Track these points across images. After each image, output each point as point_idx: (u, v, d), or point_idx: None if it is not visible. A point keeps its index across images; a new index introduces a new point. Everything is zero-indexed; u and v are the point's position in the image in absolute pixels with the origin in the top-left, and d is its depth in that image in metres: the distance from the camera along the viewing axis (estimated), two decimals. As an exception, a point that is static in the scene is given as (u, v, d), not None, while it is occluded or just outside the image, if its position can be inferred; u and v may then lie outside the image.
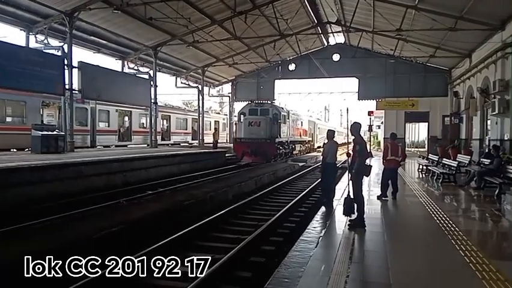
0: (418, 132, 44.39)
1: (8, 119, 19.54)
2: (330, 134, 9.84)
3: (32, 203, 10.33)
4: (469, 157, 16.26)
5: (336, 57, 27.70)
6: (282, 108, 28.40)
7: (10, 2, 16.62)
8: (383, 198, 10.37)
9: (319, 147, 39.48)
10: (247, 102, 28.81)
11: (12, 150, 18.43)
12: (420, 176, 16.95)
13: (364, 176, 7.85)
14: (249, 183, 14.42)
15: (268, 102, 27.83)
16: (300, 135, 33.14)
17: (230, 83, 36.26)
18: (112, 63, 25.11)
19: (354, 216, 7.59)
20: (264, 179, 16.14)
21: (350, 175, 7.83)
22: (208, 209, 10.44)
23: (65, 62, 18.64)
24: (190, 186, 13.76)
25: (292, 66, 29.90)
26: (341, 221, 7.76)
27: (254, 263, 6.74)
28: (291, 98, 38.84)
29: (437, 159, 17.53)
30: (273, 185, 15.06)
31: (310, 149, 38.14)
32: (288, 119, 28.22)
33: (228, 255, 6.41)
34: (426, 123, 31.65)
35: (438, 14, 17.93)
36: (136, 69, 25.94)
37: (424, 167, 17.53)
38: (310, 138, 38.22)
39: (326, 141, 10.22)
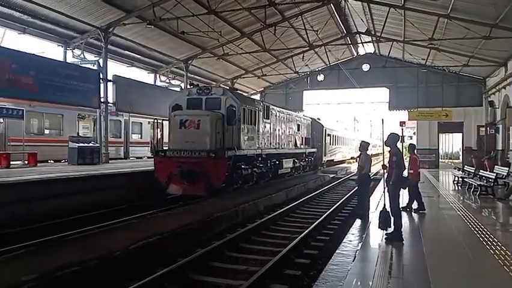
0: (452, 143, 43.20)
1: (46, 132, 20.24)
2: (364, 145, 9.72)
3: (70, 212, 10.61)
4: (507, 169, 15.69)
5: (366, 67, 27.48)
6: (253, 99, 18.23)
7: (50, 19, 17.32)
8: (420, 212, 10.12)
9: (332, 161, 32.88)
10: (190, 86, 17.50)
11: (49, 161, 19.05)
12: (456, 188, 16.46)
13: (401, 189, 7.70)
14: (280, 195, 14.36)
15: (220, 86, 18.23)
16: (296, 145, 21.83)
17: (258, 95, 36.44)
18: (144, 76, 25.73)
19: (390, 230, 7.43)
20: (294, 191, 16.05)
21: (386, 187, 7.69)
22: (239, 221, 10.48)
23: (101, 76, 19.26)
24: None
25: (321, 77, 29.85)
26: (377, 235, 7.61)
27: (290, 276, 6.68)
28: (320, 109, 35.86)
29: (473, 171, 17.00)
30: (304, 196, 14.96)
31: (315, 166, 26.24)
32: (267, 118, 17.20)
33: (265, 268, 6.38)
34: (461, 134, 30.79)
35: (472, 22, 17.53)
36: (167, 82, 26.48)
37: (460, 179, 17.03)
38: (315, 150, 25.89)
39: (359, 153, 10.08)
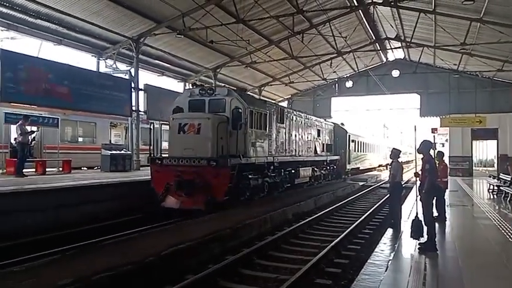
0: (486, 150, 41.85)
1: (80, 139, 20.85)
2: (396, 152, 9.56)
3: (104, 217, 10.87)
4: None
5: (395, 73, 27.06)
6: (264, 101, 15.72)
7: (84, 30, 17.91)
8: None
9: (358, 169, 30.67)
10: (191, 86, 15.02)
11: (83, 168, 19.59)
12: (491, 196, 15.94)
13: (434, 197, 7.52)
14: (309, 203, 14.27)
15: (225, 86, 15.86)
16: (315, 152, 20.30)
17: (286, 102, 36.41)
18: (174, 85, 26.16)
19: (423, 239, 7.26)
20: (323, 199, 15.91)
21: (419, 196, 7.53)
22: (268, 229, 10.47)
23: (132, 85, 19.75)
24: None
25: (349, 84, 29.60)
26: (409, 244, 7.45)
27: (321, 285, 6.62)
28: (348, 116, 35.00)
29: (509, 179, 16.42)
30: (333, 204, 14.81)
31: (338, 174, 24.71)
32: (281, 122, 15.65)
33: (295, 277, 6.35)
34: (495, 141, 29.80)
35: (506, 26, 17.04)
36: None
37: (495, 187, 16.48)
38: (338, 157, 24.24)
39: (391, 160, 9.94)
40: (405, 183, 20.71)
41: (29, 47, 24.98)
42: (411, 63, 28.60)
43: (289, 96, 35.93)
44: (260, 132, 13.46)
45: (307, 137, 19.00)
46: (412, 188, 16.84)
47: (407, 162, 47.48)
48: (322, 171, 21.20)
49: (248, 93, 16.17)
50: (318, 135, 20.94)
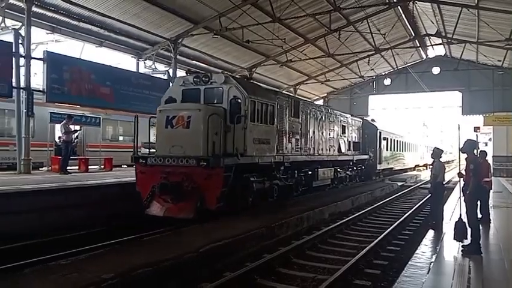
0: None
1: (120, 138, 21.46)
2: (437, 152, 9.29)
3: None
4: None
5: (436, 70, 26.25)
6: (273, 91, 14.00)
7: (124, 32, 18.44)
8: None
9: (391, 170, 27.85)
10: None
11: (123, 166, 20.16)
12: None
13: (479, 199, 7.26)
14: (346, 203, 14.09)
15: (224, 72, 13.88)
16: (339, 151, 17.87)
17: (321, 100, 36.10)
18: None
19: (466, 242, 7.02)
20: (361, 199, 15.66)
21: (463, 197, 7.28)
22: (305, 228, 10.42)
23: (170, 85, 20.10)
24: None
25: (387, 81, 28.98)
26: (452, 246, 7.22)
27: (359, 286, 6.53)
28: (386, 114, 34.19)
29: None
30: (371, 205, 14.57)
31: (367, 176, 22.38)
32: (295, 116, 13.52)
33: (333, 277, 6.29)
34: (544, 140, 28.34)
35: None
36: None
37: (544, 189, 15.69)
38: (367, 156, 22.03)
39: (431, 160, 9.68)
40: (446, 183, 20.07)
41: (72, 49, 25.94)
42: (453, 59, 27.70)
43: (325, 94, 35.63)
44: (266, 127, 11.34)
45: (329, 134, 16.82)
46: (454, 188, 16.32)
47: (448, 162, 45.92)
48: (347, 173, 19.23)
49: (252, 81, 13.56)
50: (343, 132, 18.61)
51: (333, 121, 17.39)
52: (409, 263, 6.34)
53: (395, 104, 34.64)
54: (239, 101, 10.44)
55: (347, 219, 11.51)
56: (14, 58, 13.76)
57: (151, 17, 17.71)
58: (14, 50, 13.77)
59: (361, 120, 22.11)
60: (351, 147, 19.60)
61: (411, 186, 23.03)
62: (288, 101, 13.18)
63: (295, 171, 13.54)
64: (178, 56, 20.45)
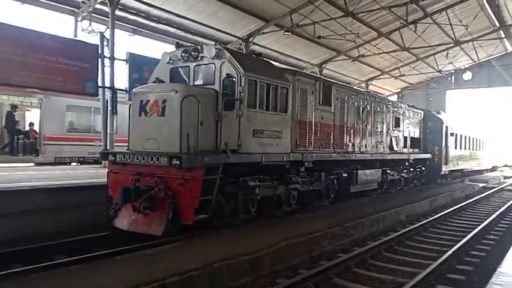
0: None
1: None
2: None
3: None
4: None
5: (524, 62, 24.21)
6: (283, 70, 10.84)
7: (199, 33, 19.05)
8: None
9: (461, 171, 23.62)
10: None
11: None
12: None
13: None
14: (423, 204, 13.46)
15: (218, 44, 9.05)
16: (391, 148, 15.18)
17: (395, 96, 34.78)
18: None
19: None
20: (439, 200, 14.88)
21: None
22: (380, 229, 10.13)
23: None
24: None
25: (468, 75, 27.36)
26: (549, 255, 6.61)
27: (442, 292, 6.22)
28: (466, 110, 31.77)
29: None
30: (450, 207, 13.80)
31: (429, 178, 19.19)
32: (326, 104, 11.06)
33: (414, 281, 6.05)
34: None
35: None
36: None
37: None
38: (429, 155, 18.92)
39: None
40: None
41: (152, 50, 27.24)
42: (544, 50, 25.38)
43: (399, 90, 34.34)
44: (274, 116, 8.95)
45: (376, 127, 14.06)
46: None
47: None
48: (402, 175, 16.25)
49: (255, 56, 10.59)
50: (397, 125, 15.69)
51: (383, 112, 14.60)
52: (498, 270, 5.91)
53: (476, 100, 32.34)
54: (233, 80, 8.11)
55: (425, 221, 10.99)
56: (99, 59, 14.76)
57: (225, 17, 18.17)
58: (99, 52, 14.76)
59: (422, 112, 18.97)
60: (408, 144, 16.76)
61: (494, 188, 21.40)
62: (315, 85, 10.56)
63: (323, 173, 11.10)
64: (249, 54, 20.73)
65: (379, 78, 30.59)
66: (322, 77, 13.84)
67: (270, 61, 11.83)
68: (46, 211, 8.35)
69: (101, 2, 14.57)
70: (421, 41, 22.55)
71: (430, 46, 23.93)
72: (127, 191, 7.37)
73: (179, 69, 9.04)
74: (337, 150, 11.64)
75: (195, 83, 8.66)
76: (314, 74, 11.57)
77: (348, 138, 12.28)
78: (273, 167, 9.00)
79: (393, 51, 24.11)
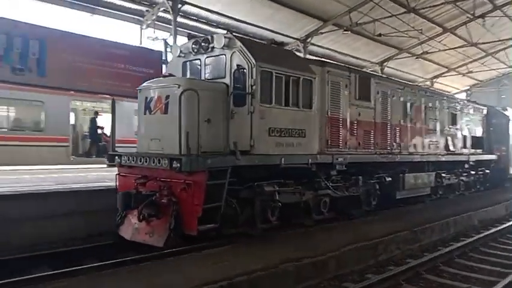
0: None
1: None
2: None
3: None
4: None
5: None
6: (310, 59, 11.63)
7: (256, 36, 19.12)
8: None
9: None
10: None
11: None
12: None
13: None
14: (497, 209, 12.55)
15: (228, 33, 8.21)
16: (447, 148, 13.64)
17: (464, 94, 32.96)
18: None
19: None
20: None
21: None
22: (451, 234, 9.59)
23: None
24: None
25: (545, 70, 25.25)
26: None
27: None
28: None
29: None
30: None
31: (493, 183, 16.73)
32: (364, 99, 9.87)
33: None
34: None
35: None
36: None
37: None
38: (494, 157, 16.68)
39: None
40: None
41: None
42: None
43: (468, 87, 32.56)
44: (296, 112, 7.89)
45: (428, 125, 12.61)
46: None
47: None
48: (461, 178, 14.42)
49: (275, 45, 9.24)
50: (453, 122, 14.05)
51: (436, 107, 13.07)
52: None
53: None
54: (244, 71, 7.23)
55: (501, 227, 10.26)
56: (163, 65, 15.32)
57: (282, 19, 18.18)
58: (163, 58, 15.32)
59: (485, 108, 17.01)
60: (468, 144, 15.10)
61: None
62: (349, 77, 9.38)
63: (360, 177, 9.69)
64: (307, 55, 20.55)
65: (445, 76, 29.21)
66: (358, 69, 12.36)
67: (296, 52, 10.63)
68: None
69: (164, 9, 15.10)
70: (490, 35, 21.31)
71: (500, 40, 22.55)
72: (126, 197, 6.78)
73: (191, 62, 8.30)
74: (379, 151, 10.33)
75: (206, 76, 7.93)
76: (348, 66, 10.46)
77: (392, 138, 10.96)
78: (298, 170, 7.94)
79: (460, 46, 22.94)
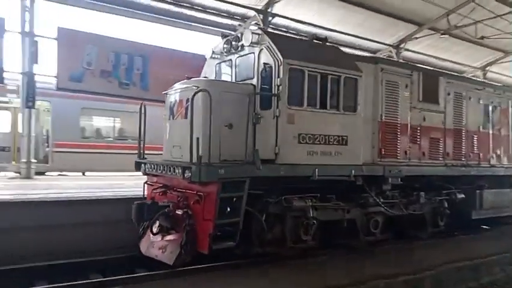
0: None
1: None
2: None
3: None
4: None
5: None
6: (354, 55, 9.07)
7: (348, 44, 18.80)
8: None
9: None
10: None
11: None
12: None
13: None
14: None
15: (259, 29, 9.09)
16: None
17: None
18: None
19: None
20: None
21: None
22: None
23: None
24: None
25: None
26: None
27: None
28: None
29: None
30: None
31: None
32: (431, 101, 8.64)
33: None
34: None
35: None
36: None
37: None
38: None
39: None
40: None
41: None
42: None
43: None
44: (334, 116, 6.91)
45: (506, 129, 10.62)
46: None
47: None
48: None
49: (317, 40, 7.67)
50: None
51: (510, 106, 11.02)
52: None
53: None
54: (271, 70, 6.49)
55: None
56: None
57: (373, 25, 17.72)
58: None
59: None
60: None
61: None
62: (410, 76, 8.25)
63: (423, 193, 8.37)
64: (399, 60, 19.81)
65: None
66: (422, 66, 10.98)
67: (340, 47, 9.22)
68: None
69: (255, 23, 15.55)
70: None
71: None
72: (140, 208, 6.22)
73: (224, 64, 7.71)
74: (450, 162, 8.92)
75: (236, 78, 7.28)
76: (410, 63, 9.16)
77: (468, 147, 9.43)
78: (341, 183, 6.98)
79: None
